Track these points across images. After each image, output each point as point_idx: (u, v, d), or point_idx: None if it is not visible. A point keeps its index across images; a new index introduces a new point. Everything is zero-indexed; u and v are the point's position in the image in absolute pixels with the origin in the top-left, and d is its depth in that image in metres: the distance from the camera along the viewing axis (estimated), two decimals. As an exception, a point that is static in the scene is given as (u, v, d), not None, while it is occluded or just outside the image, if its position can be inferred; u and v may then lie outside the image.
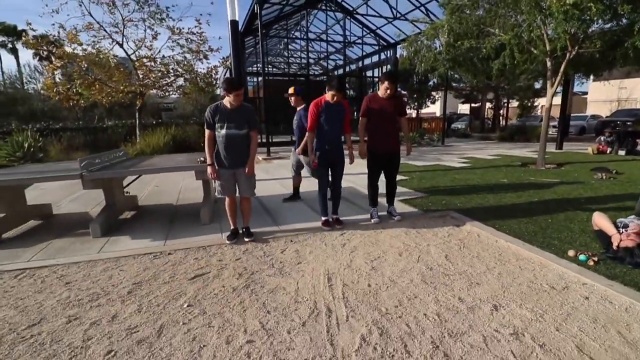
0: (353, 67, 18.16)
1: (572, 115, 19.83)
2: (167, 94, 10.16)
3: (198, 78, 9.78)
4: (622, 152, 9.68)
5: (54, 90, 8.20)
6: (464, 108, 31.73)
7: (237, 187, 3.22)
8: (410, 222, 3.64)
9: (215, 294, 2.26)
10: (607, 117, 19.42)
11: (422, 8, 12.40)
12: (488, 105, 24.13)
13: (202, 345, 1.74)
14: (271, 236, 3.35)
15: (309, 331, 1.82)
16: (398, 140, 3.71)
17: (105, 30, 9.16)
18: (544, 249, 2.81)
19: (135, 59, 9.72)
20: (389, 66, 15.87)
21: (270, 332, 1.83)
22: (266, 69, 14.28)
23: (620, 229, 2.76)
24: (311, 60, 18.37)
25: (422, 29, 9.36)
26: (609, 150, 9.91)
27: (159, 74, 9.71)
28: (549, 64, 7.15)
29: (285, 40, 17.02)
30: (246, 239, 3.22)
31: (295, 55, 20.43)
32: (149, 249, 3.14)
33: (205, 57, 9.91)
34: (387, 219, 3.75)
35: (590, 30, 6.63)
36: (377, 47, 15.91)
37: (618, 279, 2.30)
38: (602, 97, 25.38)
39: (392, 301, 2.10)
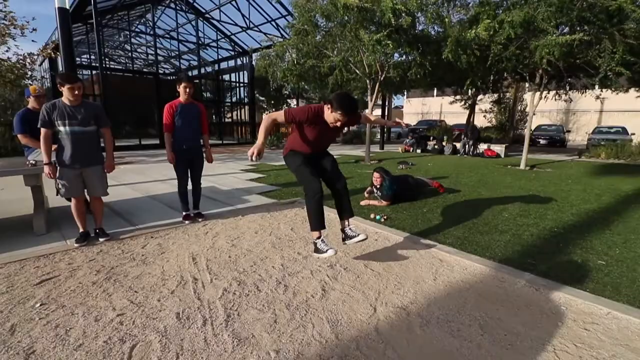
0: (209, 69, 17.90)
1: (392, 123, 25.44)
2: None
3: (3, 69, 7.77)
4: (419, 151, 13.34)
5: None
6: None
7: (85, 188, 3.10)
8: (266, 209, 4.29)
9: (72, 290, 2.26)
10: (413, 125, 25.81)
11: (273, 22, 13.57)
12: (334, 113, 28.07)
13: (68, 329, 1.83)
14: (128, 235, 3.34)
15: (178, 295, 2.17)
16: None
17: None
18: (357, 215, 3.94)
19: None
20: (245, 72, 16.48)
21: (140, 305, 2.07)
22: (103, 62, 12.49)
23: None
24: (160, 58, 16.99)
25: (274, 42, 10.36)
26: (411, 149, 13.46)
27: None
28: (368, 83, 9.28)
29: (127, 32, 15.22)
30: (101, 239, 3.13)
31: (140, 50, 18.44)
32: (-37, 267, 2.65)
33: (13, 38, 7.93)
34: (245, 210, 4.28)
35: (392, 60, 9.05)
36: (233, 53, 16.25)
37: (394, 227, 3.58)
38: (412, 110, 33.39)
39: (249, 263, 2.66)
